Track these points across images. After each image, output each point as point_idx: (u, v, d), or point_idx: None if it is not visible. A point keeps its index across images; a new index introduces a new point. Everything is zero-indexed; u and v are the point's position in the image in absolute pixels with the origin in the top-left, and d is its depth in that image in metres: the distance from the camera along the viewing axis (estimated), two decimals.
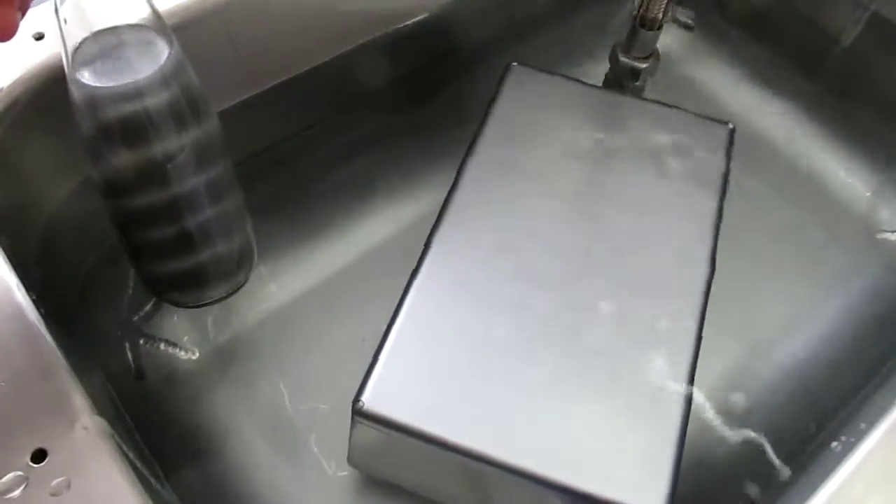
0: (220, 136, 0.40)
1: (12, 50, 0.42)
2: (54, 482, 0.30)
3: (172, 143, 0.36)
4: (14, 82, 0.41)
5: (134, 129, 0.35)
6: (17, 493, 0.30)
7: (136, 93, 0.34)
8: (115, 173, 0.37)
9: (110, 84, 0.34)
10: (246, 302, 0.49)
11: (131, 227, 0.41)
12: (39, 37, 0.42)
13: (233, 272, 0.46)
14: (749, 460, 0.44)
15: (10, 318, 0.34)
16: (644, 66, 0.52)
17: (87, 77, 0.34)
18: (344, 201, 0.54)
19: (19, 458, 0.31)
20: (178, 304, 0.48)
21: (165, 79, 0.35)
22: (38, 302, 0.36)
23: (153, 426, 0.41)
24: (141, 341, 0.47)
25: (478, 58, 0.60)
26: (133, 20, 0.34)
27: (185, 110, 0.36)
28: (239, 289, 0.47)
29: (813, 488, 0.33)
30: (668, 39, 0.64)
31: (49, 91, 0.41)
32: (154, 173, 0.37)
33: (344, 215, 0.54)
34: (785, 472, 0.42)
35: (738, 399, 0.46)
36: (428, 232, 0.42)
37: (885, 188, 0.57)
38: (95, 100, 0.34)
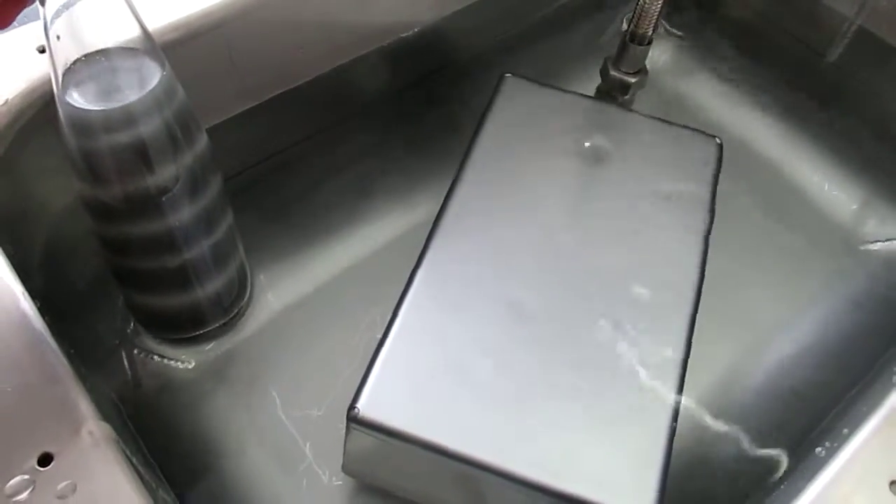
0: (211, 159, 0.38)
1: (16, 63, 0.42)
2: (60, 486, 0.31)
3: (162, 168, 0.35)
4: (18, 94, 0.41)
5: (123, 153, 0.34)
6: (24, 496, 0.30)
7: (125, 116, 0.33)
8: (101, 196, 0.36)
9: (100, 107, 0.32)
10: (242, 309, 0.49)
11: (118, 255, 0.40)
12: (43, 50, 0.42)
13: (227, 305, 0.45)
14: (736, 464, 0.44)
15: (17, 325, 0.34)
16: (633, 80, 0.53)
17: (76, 99, 0.32)
18: (340, 210, 0.54)
19: (26, 461, 0.31)
20: (165, 338, 0.46)
21: (157, 102, 0.33)
22: (43, 309, 0.36)
23: (151, 433, 0.41)
24: (135, 351, 0.47)
25: (473, 70, 0.61)
26: (125, 41, 0.32)
27: (177, 134, 0.35)
28: (232, 319, 0.46)
29: (797, 492, 0.34)
30: (658, 52, 0.65)
31: (52, 103, 0.41)
32: (143, 198, 0.36)
33: (340, 224, 0.54)
34: (770, 476, 0.43)
35: (725, 405, 0.47)
36: (424, 240, 0.42)
37: (871, 200, 0.58)
38: (84, 122, 0.33)
